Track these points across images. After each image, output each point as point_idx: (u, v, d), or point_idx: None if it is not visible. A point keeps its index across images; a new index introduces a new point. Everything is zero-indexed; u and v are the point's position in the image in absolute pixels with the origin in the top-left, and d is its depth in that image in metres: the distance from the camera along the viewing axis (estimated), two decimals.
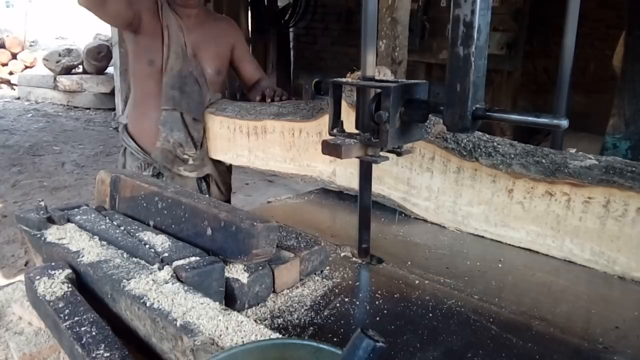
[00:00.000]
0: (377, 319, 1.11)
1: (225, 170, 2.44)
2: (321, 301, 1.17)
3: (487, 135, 1.52)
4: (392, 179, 1.69)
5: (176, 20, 2.18)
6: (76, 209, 1.34)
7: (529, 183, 1.39)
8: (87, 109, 9.58)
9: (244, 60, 2.50)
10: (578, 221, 1.34)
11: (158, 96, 2.19)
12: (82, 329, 0.89)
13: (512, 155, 1.42)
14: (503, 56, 5.19)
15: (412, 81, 1.19)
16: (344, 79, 1.29)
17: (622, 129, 3.21)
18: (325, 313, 1.12)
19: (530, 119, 0.97)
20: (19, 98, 10.58)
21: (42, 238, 1.19)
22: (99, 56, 9.51)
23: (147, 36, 2.17)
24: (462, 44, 0.99)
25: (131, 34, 2.17)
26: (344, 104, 1.36)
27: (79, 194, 5.31)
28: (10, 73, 11.27)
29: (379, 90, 1.17)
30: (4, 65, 11.31)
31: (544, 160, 1.38)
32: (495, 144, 1.48)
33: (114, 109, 8.44)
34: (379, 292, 1.22)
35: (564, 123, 0.94)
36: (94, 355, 0.82)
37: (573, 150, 1.42)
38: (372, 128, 1.19)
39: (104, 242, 1.16)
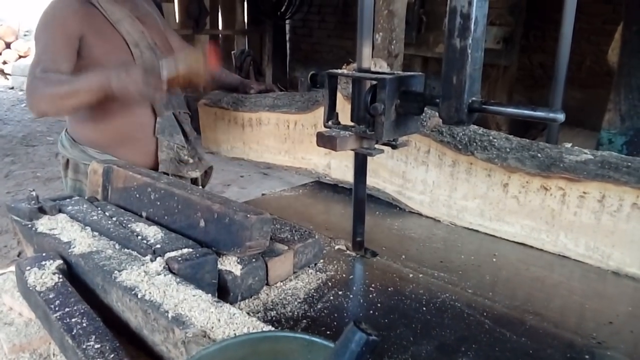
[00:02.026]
0: (371, 312, 1.11)
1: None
2: (315, 294, 1.16)
3: (483, 129, 1.52)
4: (387, 172, 1.69)
5: (121, 10, 1.87)
6: (68, 199, 1.33)
7: (524, 177, 1.39)
8: None
9: (172, 36, 2.18)
10: (573, 216, 1.33)
11: (141, 102, 1.86)
12: (73, 320, 0.88)
13: (508, 150, 1.42)
14: (499, 50, 5.20)
15: (408, 73, 1.19)
16: (339, 70, 1.28)
17: (618, 124, 3.21)
18: (319, 306, 1.12)
19: (527, 112, 0.97)
20: (12, 88, 10.50)
21: (33, 228, 1.18)
22: None
23: (101, 43, 1.80)
24: (459, 35, 0.98)
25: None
26: (339, 96, 1.35)
27: None
28: (4, 62, 11.19)
29: (374, 82, 1.16)
30: None
31: (539, 155, 1.37)
32: (491, 137, 1.47)
33: None
34: (373, 285, 1.22)
35: (561, 117, 0.94)
36: (84, 346, 0.81)
37: (569, 145, 1.41)
38: (367, 120, 1.18)
39: (96, 233, 1.15)
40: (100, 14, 1.83)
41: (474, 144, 1.47)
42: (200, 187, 2.12)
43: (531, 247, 1.42)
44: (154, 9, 2.13)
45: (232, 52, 8.03)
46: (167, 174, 1.92)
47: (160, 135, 1.94)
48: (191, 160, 2.03)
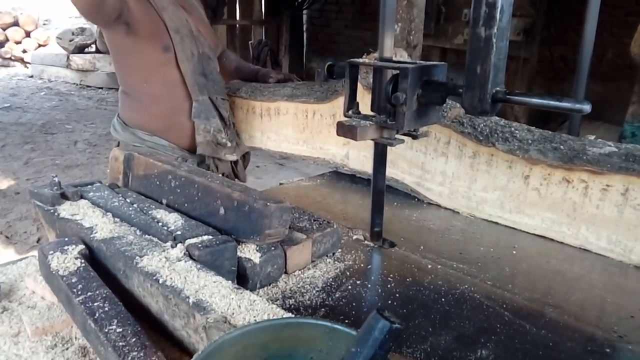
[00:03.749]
0: (389, 302, 1.11)
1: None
2: (333, 283, 1.17)
3: (505, 121, 1.50)
4: (406, 163, 1.68)
5: None
6: (89, 186, 1.34)
7: (546, 169, 1.37)
8: (99, 88, 9.60)
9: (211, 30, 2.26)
10: (595, 209, 1.32)
11: (181, 85, 1.97)
12: (95, 304, 0.89)
13: (530, 141, 1.40)
14: (519, 42, 5.13)
15: (431, 62, 1.17)
16: (361, 60, 1.28)
17: None
18: (337, 295, 1.12)
19: (553, 102, 0.95)
20: (32, 76, 10.62)
21: (56, 213, 1.19)
22: None
23: (146, 22, 1.88)
24: (484, 24, 0.97)
25: (123, 27, 1.86)
26: (359, 86, 1.34)
27: (90, 172, 5.34)
28: (24, 51, 11.30)
29: (396, 72, 1.15)
30: (18, 43, 11.34)
31: (562, 147, 1.36)
32: (512, 129, 1.45)
33: None
34: (391, 275, 1.21)
35: (587, 107, 0.92)
36: (106, 330, 0.82)
37: (592, 137, 1.39)
38: (388, 110, 1.18)
39: (117, 219, 1.16)
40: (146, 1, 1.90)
41: (495, 135, 1.45)
42: (242, 168, 2.24)
43: (552, 240, 1.40)
44: (199, 3, 2.21)
45: (250, 42, 8.03)
46: (204, 156, 2.03)
47: (197, 119, 2.00)
48: (229, 144, 2.07)
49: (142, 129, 2.03)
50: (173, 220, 1.15)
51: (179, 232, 1.08)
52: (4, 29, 11.18)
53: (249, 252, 1.11)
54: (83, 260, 1.02)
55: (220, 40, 2.43)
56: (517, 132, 1.44)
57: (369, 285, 1.17)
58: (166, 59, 1.95)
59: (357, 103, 1.25)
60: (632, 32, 4.01)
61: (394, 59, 1.28)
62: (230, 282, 0.93)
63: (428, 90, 1.13)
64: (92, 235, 1.08)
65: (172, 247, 1.03)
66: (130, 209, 1.21)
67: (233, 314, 0.83)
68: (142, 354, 0.77)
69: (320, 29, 8.87)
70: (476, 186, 1.52)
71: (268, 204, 1.08)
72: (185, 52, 1.95)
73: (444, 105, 1.46)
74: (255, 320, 0.81)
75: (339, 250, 1.32)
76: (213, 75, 2.05)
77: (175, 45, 1.93)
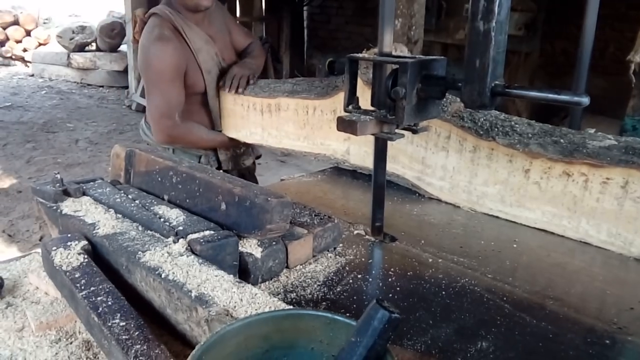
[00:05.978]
0: (390, 295, 1.12)
1: None
2: (334, 277, 1.17)
3: (505, 115, 1.51)
4: (407, 157, 1.68)
5: (200, 36, 2.04)
6: (91, 183, 1.35)
7: (546, 163, 1.38)
8: (100, 86, 9.60)
9: (236, 33, 2.34)
10: (595, 202, 1.32)
11: (208, 120, 2.20)
12: (98, 298, 0.90)
13: (530, 135, 1.41)
14: (521, 37, 5.11)
15: (430, 57, 1.18)
16: (360, 55, 1.28)
17: None
18: (338, 289, 1.13)
19: (551, 95, 0.95)
20: (33, 75, 10.62)
21: (58, 210, 1.20)
22: (113, 33, 9.47)
23: (189, 71, 2.03)
24: (483, 18, 0.97)
25: None
26: (359, 81, 1.34)
27: (92, 170, 5.35)
28: (24, 50, 11.30)
29: (395, 66, 1.15)
30: (18, 42, 11.34)
31: (562, 140, 1.36)
32: (512, 123, 1.46)
33: (127, 87, 8.43)
34: (392, 269, 1.22)
35: (585, 100, 0.93)
36: (109, 324, 0.83)
37: (592, 131, 1.40)
38: (388, 105, 1.18)
39: (119, 215, 1.17)
40: (186, 45, 2.00)
41: (496, 129, 1.46)
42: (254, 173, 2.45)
43: (552, 233, 1.41)
44: (220, 7, 2.24)
45: None
46: (228, 170, 2.22)
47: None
48: (244, 149, 2.27)
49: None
50: (175, 215, 1.15)
51: (180, 228, 1.09)
52: (4, 28, 11.17)
53: (251, 247, 1.11)
54: (86, 256, 1.03)
55: (250, 33, 2.49)
56: (517, 126, 1.44)
57: (370, 279, 1.18)
58: (198, 106, 2.15)
59: (357, 98, 1.25)
60: (633, 25, 4.01)
61: (394, 53, 1.29)
62: (231, 276, 0.93)
63: (427, 84, 1.13)
64: (94, 231, 1.09)
65: (174, 242, 1.04)
66: (132, 205, 1.22)
67: (235, 307, 0.84)
68: (145, 347, 0.78)
69: (321, 25, 8.85)
70: (477, 180, 1.53)
71: (269, 198, 1.08)
72: (214, 91, 2.14)
73: (444, 99, 1.47)
74: (256, 312, 0.81)
75: (340, 244, 1.32)
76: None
77: (207, 87, 2.10)
